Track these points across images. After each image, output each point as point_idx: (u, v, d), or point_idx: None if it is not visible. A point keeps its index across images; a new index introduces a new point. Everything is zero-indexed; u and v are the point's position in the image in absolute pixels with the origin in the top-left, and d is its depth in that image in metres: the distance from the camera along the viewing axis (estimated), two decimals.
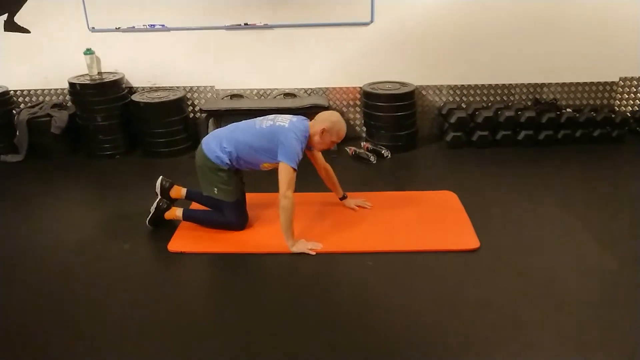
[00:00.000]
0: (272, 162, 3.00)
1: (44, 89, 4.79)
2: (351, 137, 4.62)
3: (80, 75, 4.55)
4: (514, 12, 4.41)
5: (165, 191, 3.33)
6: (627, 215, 3.29)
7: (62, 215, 3.51)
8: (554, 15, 4.42)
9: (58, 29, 4.57)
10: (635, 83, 4.68)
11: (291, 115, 3.07)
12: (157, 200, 3.26)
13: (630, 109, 4.78)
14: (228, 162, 3.02)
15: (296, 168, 2.89)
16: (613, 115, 4.44)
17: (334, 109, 4.75)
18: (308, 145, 3.04)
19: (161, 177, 3.34)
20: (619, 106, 4.76)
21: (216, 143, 3.05)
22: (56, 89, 4.78)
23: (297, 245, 2.96)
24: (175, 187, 3.39)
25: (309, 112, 4.48)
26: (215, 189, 3.08)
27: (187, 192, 3.40)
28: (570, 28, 4.47)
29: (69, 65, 4.59)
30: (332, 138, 3.04)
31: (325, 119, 3.05)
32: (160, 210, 3.23)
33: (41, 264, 2.92)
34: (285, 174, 2.87)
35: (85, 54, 4.50)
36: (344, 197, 3.42)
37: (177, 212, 3.24)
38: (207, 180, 3.10)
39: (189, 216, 3.26)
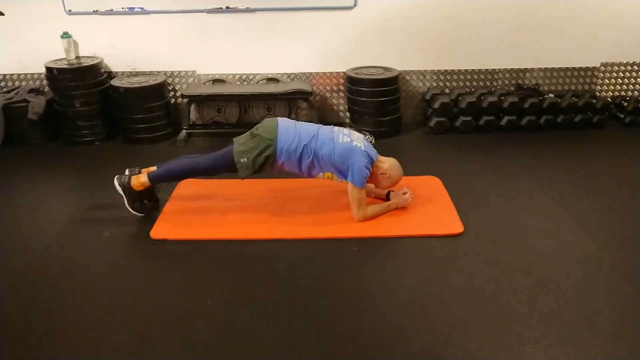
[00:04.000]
0: (331, 175, 3.08)
1: (20, 74, 4.66)
2: (335, 123, 4.60)
3: (58, 60, 4.44)
4: None
5: (128, 186, 3.09)
6: (607, 200, 3.33)
7: (40, 204, 3.43)
8: (536, 0, 4.43)
9: (34, 12, 4.43)
10: (616, 68, 4.73)
11: (363, 138, 3.12)
12: (115, 178, 3.08)
13: (611, 94, 4.83)
14: (281, 160, 2.98)
15: (363, 188, 3.01)
16: (594, 101, 4.48)
17: (318, 94, 4.72)
18: None
19: (117, 176, 3.12)
20: (600, 92, 4.81)
21: (293, 139, 2.96)
22: (32, 74, 4.65)
23: (397, 201, 3.18)
24: (143, 170, 3.20)
25: (293, 97, 4.48)
26: (245, 158, 2.95)
27: (157, 167, 3.21)
28: (552, 13, 4.48)
29: (45, 49, 4.47)
30: (386, 182, 3.13)
31: (395, 165, 3.14)
32: (126, 187, 3.06)
33: (19, 254, 2.85)
34: (355, 196, 3.00)
35: (62, 37, 4.39)
36: (388, 196, 3.30)
37: (141, 179, 3.07)
38: (250, 149, 2.96)
39: (155, 176, 3.09)
